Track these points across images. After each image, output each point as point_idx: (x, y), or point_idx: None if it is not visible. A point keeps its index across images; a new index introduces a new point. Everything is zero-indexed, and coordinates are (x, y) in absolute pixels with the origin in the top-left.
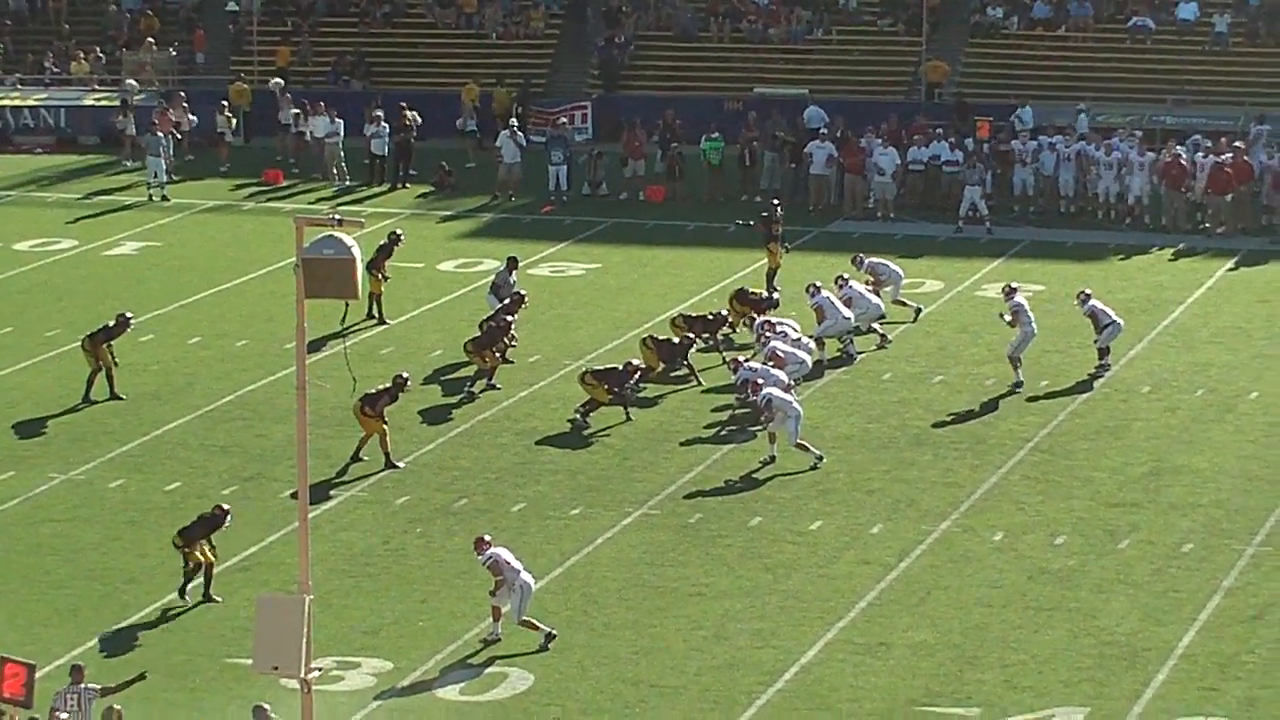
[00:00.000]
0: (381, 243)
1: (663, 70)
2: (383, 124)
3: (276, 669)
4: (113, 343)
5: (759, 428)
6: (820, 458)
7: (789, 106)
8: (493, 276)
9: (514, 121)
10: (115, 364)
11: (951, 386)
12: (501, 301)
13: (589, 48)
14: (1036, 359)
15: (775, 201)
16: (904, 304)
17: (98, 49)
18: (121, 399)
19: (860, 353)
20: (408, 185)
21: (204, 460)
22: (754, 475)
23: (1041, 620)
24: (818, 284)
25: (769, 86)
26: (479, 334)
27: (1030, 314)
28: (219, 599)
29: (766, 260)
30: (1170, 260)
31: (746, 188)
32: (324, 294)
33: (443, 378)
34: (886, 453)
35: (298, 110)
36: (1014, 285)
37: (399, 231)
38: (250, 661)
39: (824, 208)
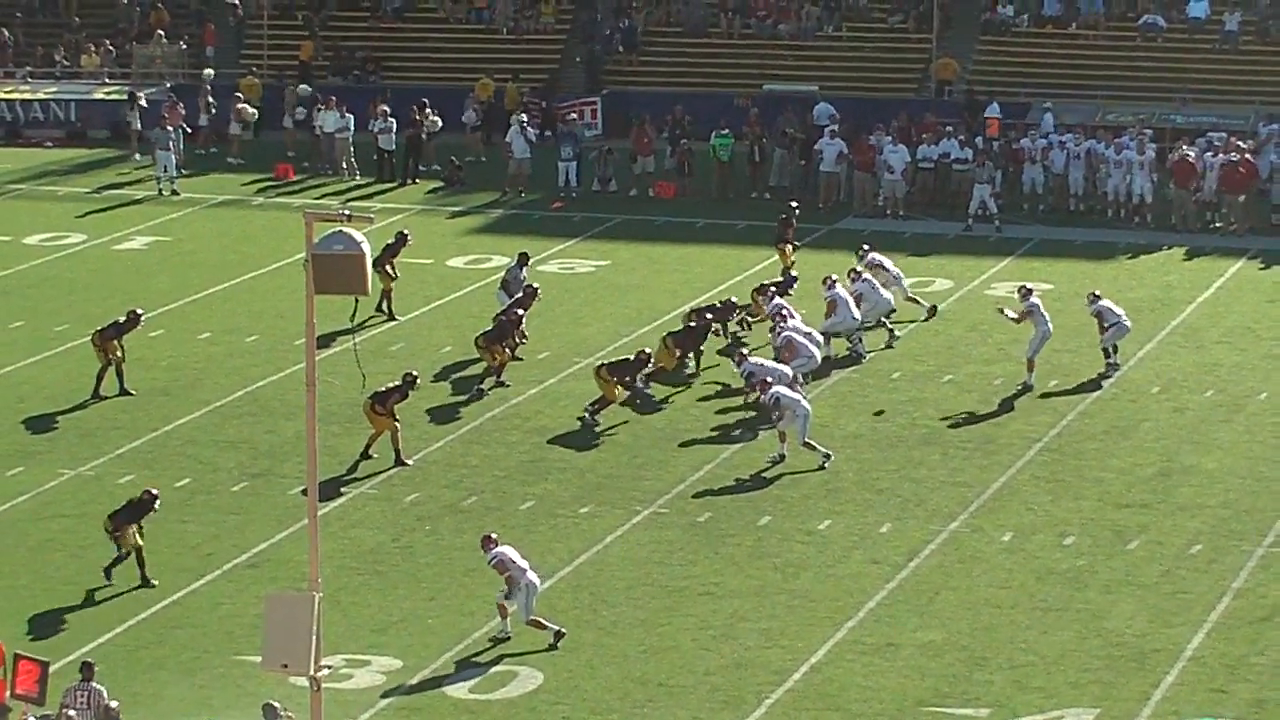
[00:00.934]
0: (389, 241)
1: (672, 66)
2: (389, 119)
3: (285, 666)
4: (123, 338)
5: (767, 427)
6: (828, 456)
7: (799, 103)
8: (503, 273)
9: (523, 117)
10: (124, 359)
11: (961, 386)
12: (512, 298)
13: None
14: (1046, 358)
15: (794, 204)
16: (917, 302)
17: (108, 42)
18: (131, 394)
19: (869, 352)
20: (416, 181)
21: (213, 456)
22: (763, 474)
23: (1050, 621)
24: (833, 277)
25: (779, 83)
26: (490, 327)
27: (1045, 314)
28: (155, 583)
29: (778, 259)
30: (1180, 260)
31: (757, 184)
32: (333, 290)
33: (452, 375)
34: (895, 452)
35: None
36: (1029, 286)
37: (406, 231)
38: (259, 659)
39: (833, 205)
